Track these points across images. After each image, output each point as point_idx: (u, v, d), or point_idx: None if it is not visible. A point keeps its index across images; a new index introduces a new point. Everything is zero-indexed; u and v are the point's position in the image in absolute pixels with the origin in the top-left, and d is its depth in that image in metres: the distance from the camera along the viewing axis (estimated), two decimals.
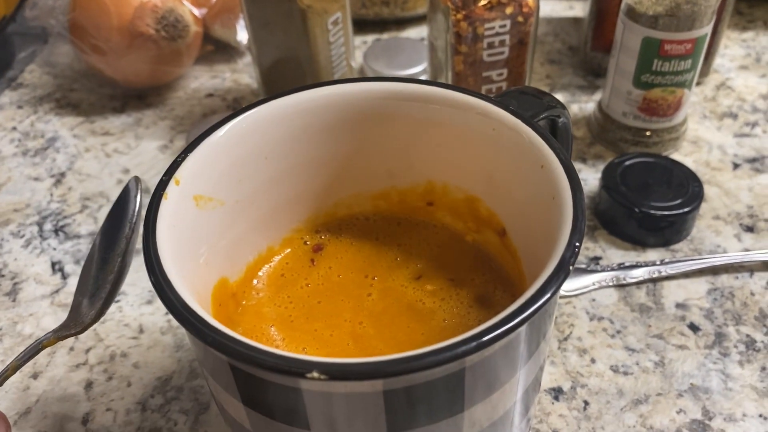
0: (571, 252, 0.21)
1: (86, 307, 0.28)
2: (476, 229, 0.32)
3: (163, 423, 0.34)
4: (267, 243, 0.32)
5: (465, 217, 0.32)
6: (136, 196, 0.26)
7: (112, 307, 0.39)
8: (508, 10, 0.42)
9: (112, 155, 0.50)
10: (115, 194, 0.47)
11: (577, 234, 0.22)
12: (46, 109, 0.55)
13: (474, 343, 0.19)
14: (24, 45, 0.61)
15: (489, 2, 0.42)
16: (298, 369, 0.19)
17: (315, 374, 0.19)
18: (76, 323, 0.28)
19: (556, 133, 0.30)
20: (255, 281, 0.31)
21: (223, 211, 0.28)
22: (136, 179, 0.27)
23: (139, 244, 0.25)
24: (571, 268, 0.21)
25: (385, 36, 0.61)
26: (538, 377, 0.26)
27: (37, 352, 0.29)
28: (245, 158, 0.28)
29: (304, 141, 0.30)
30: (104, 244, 0.28)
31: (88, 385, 0.36)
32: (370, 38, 0.60)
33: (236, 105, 0.54)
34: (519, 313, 0.20)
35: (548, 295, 0.20)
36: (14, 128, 0.54)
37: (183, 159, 0.26)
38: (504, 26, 0.42)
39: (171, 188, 0.25)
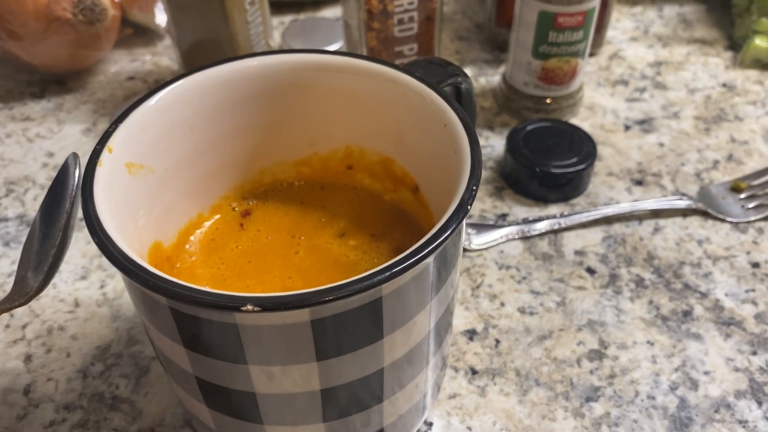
0: (469, 194, 0.25)
1: (30, 279, 0.29)
2: (393, 188, 0.35)
3: (104, 388, 0.36)
4: (197, 210, 0.34)
5: (382, 178, 0.35)
6: (75, 172, 0.27)
7: None
8: None
9: (35, 140, 0.51)
10: (41, 177, 0.48)
11: (474, 179, 0.25)
12: None
13: (388, 273, 0.22)
14: None
15: None
16: (234, 303, 0.22)
17: (249, 307, 0.21)
18: (20, 295, 0.29)
19: (460, 98, 0.34)
20: (187, 246, 0.33)
21: (154, 179, 0.30)
22: (75, 155, 0.28)
23: (80, 213, 0.26)
24: (469, 207, 0.24)
25: (302, 16, 0.63)
26: (448, 319, 0.30)
27: None
28: (173, 128, 0.30)
29: (228, 112, 0.32)
30: (45, 219, 0.29)
31: (27, 358, 0.37)
32: (287, 19, 0.62)
33: None
34: (426, 246, 0.23)
35: (450, 231, 0.24)
36: None
37: (114, 129, 0.28)
38: (412, 3, 0.45)
39: (105, 156, 0.27)
